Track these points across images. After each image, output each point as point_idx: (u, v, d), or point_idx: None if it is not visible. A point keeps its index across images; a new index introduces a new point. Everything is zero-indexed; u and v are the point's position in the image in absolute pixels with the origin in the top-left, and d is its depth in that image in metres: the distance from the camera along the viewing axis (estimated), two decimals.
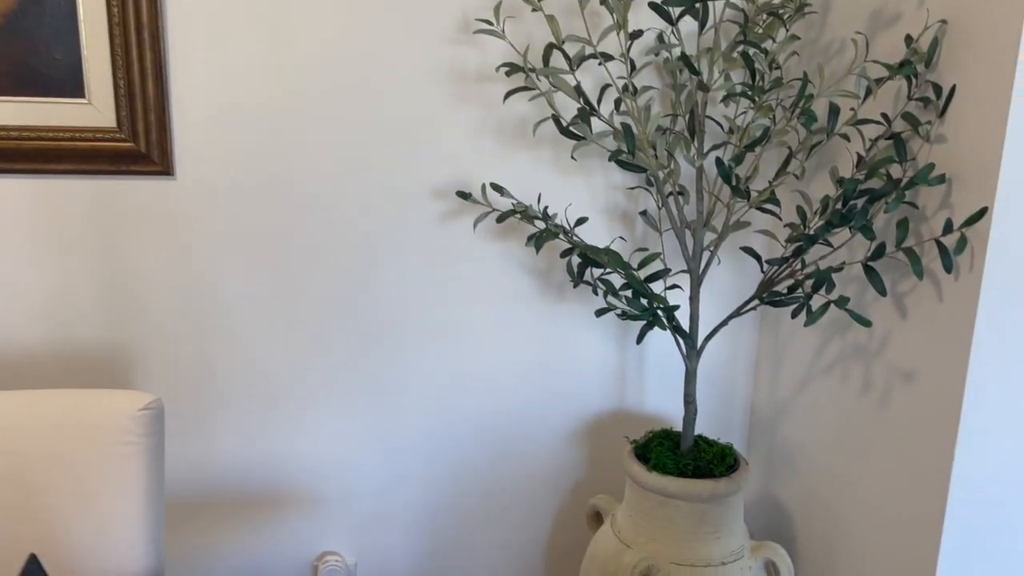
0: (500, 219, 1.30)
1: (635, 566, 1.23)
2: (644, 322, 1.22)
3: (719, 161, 1.18)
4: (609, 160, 1.25)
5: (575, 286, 1.32)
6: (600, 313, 1.29)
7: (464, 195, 1.38)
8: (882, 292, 1.09)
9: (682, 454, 1.31)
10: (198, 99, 1.32)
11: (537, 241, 1.26)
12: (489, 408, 1.53)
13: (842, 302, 1.06)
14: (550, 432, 1.56)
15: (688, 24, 1.35)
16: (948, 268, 1.02)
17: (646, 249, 1.47)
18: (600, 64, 1.33)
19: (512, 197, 1.40)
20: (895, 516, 1.16)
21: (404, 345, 1.47)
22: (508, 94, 1.28)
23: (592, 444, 1.57)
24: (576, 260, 1.29)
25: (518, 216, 1.29)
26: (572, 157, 1.41)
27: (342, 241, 1.41)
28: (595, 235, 1.46)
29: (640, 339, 1.26)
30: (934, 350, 1.06)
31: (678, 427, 1.55)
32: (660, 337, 1.53)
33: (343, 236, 1.41)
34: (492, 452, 1.55)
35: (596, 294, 1.32)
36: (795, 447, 1.44)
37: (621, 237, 1.46)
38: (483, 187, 1.39)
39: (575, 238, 1.30)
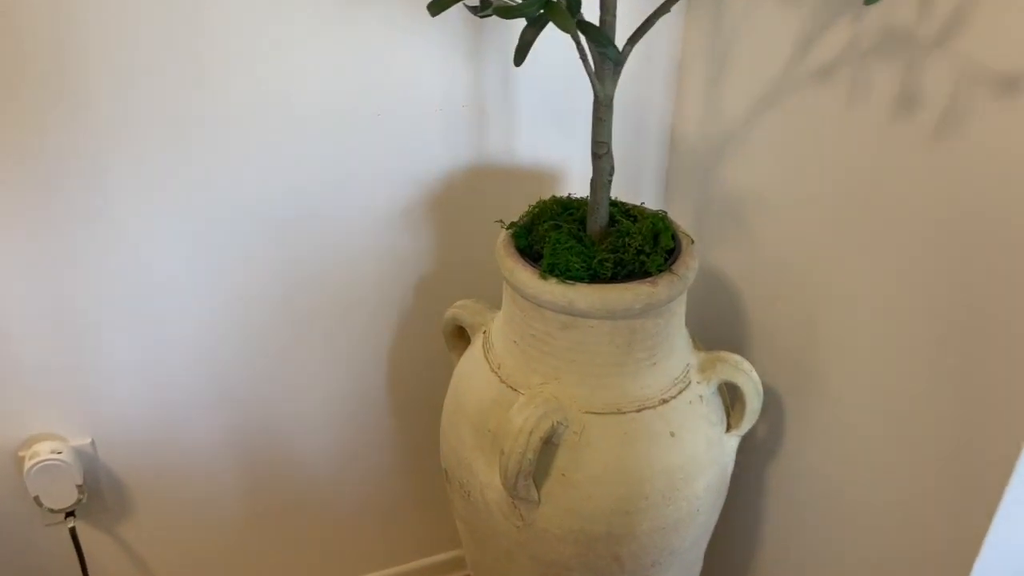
0: None
1: (532, 431, 0.76)
2: (528, 20, 0.63)
3: None
4: None
5: None
6: (438, 8, 0.68)
7: None
8: None
9: (591, 240, 0.80)
10: None
11: None
12: (271, 189, 0.92)
13: None
14: (372, 209, 0.98)
15: None
16: None
17: None
18: None
19: None
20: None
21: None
22: None
23: (439, 220, 1.02)
24: None
25: None
26: None
27: None
28: None
29: (521, 56, 0.66)
30: None
31: (574, 188, 1.03)
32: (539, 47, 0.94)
33: None
34: (288, 250, 0.97)
35: None
36: (750, 201, 0.95)
37: None
38: None
39: None
